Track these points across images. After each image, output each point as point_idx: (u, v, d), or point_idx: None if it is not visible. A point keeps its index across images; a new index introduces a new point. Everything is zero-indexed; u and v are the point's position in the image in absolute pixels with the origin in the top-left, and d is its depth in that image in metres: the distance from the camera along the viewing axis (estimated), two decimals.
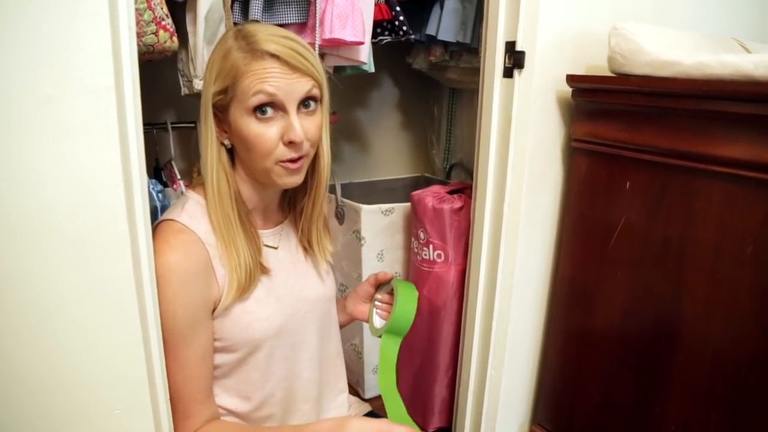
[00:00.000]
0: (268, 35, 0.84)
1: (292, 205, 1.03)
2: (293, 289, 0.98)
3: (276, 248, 0.98)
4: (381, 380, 0.98)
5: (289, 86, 0.83)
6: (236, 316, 0.90)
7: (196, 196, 0.92)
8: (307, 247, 1.03)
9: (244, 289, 0.89)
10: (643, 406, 1.14)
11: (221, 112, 0.88)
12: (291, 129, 0.84)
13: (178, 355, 0.86)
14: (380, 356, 0.99)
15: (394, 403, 0.96)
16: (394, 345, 1.00)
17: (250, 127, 0.84)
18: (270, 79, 0.82)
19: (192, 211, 0.89)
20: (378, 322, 1.07)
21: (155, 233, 0.85)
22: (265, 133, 0.84)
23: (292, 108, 0.84)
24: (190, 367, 0.87)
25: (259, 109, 0.83)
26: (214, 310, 0.89)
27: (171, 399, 0.86)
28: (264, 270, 0.93)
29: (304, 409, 1.03)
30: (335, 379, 1.11)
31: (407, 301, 0.99)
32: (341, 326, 1.15)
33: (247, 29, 0.87)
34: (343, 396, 1.14)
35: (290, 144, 0.85)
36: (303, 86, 0.84)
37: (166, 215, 0.89)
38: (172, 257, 0.83)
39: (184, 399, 0.87)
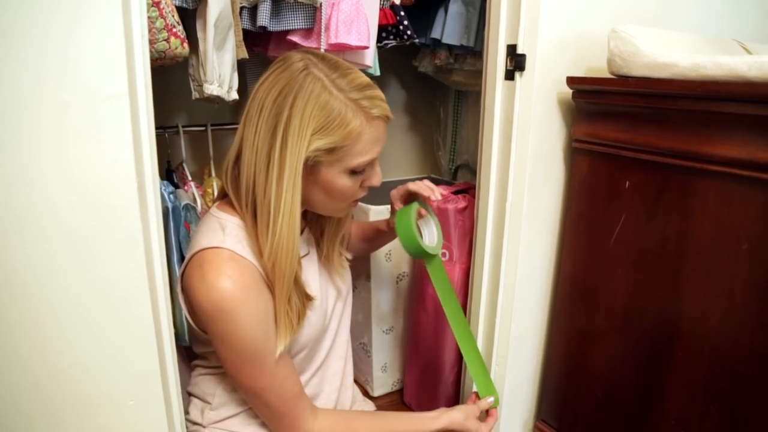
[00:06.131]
0: (373, 97, 0.84)
1: (312, 217, 1.07)
2: (323, 291, 1.03)
3: (307, 254, 1.03)
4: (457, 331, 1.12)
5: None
6: None
7: (232, 218, 0.90)
8: (321, 255, 1.07)
9: (296, 331, 0.90)
10: (643, 401, 1.16)
11: (310, 165, 0.85)
12: (375, 176, 0.90)
13: (266, 367, 0.87)
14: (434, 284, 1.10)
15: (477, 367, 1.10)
16: (438, 267, 1.09)
17: (343, 182, 0.87)
18: (380, 143, 0.87)
19: (235, 235, 0.87)
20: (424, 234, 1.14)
21: (202, 262, 0.84)
22: (354, 184, 0.88)
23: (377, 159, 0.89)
24: (281, 371, 0.89)
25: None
26: None
27: (278, 409, 0.90)
28: (309, 301, 0.94)
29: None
30: (348, 372, 1.16)
31: (408, 233, 1.01)
32: (383, 242, 1.30)
33: (336, 80, 0.82)
34: (350, 392, 1.18)
35: (369, 188, 0.91)
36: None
37: (208, 243, 0.86)
38: (233, 287, 0.82)
39: (287, 398, 0.90)
